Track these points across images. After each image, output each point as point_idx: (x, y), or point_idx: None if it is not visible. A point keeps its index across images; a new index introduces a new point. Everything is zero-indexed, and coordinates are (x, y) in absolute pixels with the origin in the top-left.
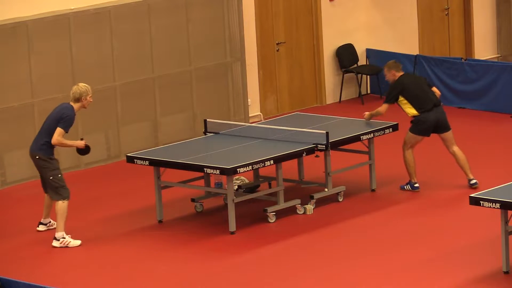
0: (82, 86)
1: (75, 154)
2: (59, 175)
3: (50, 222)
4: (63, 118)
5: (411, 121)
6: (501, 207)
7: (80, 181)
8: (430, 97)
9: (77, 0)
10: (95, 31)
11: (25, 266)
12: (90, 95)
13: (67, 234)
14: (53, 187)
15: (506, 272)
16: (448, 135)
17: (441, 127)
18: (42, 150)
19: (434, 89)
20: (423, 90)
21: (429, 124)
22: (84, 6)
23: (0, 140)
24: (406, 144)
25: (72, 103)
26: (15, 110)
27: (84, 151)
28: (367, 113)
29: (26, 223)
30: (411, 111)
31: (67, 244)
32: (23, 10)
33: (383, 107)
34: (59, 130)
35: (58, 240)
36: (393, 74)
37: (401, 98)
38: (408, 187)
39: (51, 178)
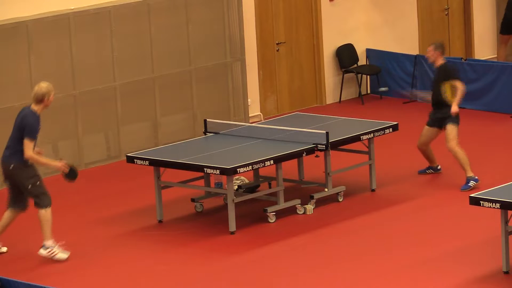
0: (44, 86)
1: (74, 154)
2: (38, 182)
3: None
4: (25, 129)
5: (451, 113)
6: (501, 207)
7: (80, 181)
8: None
9: (77, 0)
10: (95, 31)
11: (25, 266)
12: (52, 95)
13: (55, 242)
14: (33, 195)
15: (506, 272)
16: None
17: None
18: (15, 158)
19: None
20: None
21: None
22: (84, 6)
23: (0, 140)
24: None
25: (33, 105)
26: (15, 110)
27: (69, 175)
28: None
29: (25, 223)
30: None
31: (53, 255)
32: (23, 10)
33: (461, 84)
34: (26, 143)
35: (47, 248)
36: (438, 55)
37: (451, 83)
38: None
39: (29, 186)
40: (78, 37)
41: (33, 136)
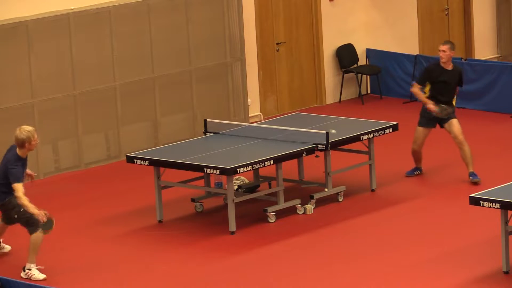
0: (25, 132)
1: (74, 154)
2: (21, 209)
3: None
4: (10, 178)
5: (453, 111)
6: (501, 207)
7: (80, 181)
8: None
9: (77, 0)
10: (95, 31)
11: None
12: (34, 139)
13: (37, 265)
14: (23, 221)
15: (506, 272)
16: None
17: None
18: (2, 197)
19: None
20: None
21: None
22: (84, 6)
23: (0, 140)
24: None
25: (17, 148)
26: (15, 110)
27: (46, 225)
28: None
29: None
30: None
31: (31, 277)
32: (23, 10)
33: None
34: (15, 187)
35: (26, 270)
36: (451, 57)
37: None
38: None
39: (15, 216)
40: (78, 37)
41: (18, 181)
